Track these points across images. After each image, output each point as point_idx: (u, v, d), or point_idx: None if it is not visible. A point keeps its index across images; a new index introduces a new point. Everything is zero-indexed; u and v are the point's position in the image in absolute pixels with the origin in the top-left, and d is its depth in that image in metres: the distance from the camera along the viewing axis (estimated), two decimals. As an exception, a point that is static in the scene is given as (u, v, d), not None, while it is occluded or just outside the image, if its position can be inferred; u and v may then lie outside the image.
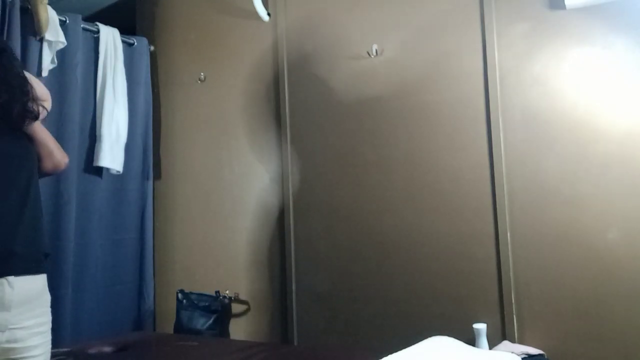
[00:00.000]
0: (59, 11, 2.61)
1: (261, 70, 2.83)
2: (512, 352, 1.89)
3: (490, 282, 2.19)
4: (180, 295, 2.85)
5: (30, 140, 1.64)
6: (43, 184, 2.51)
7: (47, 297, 1.58)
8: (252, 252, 2.80)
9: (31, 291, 1.49)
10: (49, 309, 1.57)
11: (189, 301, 2.83)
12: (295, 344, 2.60)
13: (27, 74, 1.67)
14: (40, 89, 1.70)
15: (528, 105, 2.17)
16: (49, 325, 1.56)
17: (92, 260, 2.77)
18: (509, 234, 2.16)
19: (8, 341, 1.43)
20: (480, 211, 2.22)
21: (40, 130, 1.67)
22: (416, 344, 1.88)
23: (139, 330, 2.93)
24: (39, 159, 1.67)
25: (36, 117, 1.61)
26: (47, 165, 1.70)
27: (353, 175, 2.52)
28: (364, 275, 2.46)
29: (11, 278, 1.43)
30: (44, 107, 1.63)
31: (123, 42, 2.98)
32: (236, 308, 2.81)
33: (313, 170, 2.64)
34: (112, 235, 2.90)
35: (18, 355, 1.45)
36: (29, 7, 2.48)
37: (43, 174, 1.72)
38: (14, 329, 1.44)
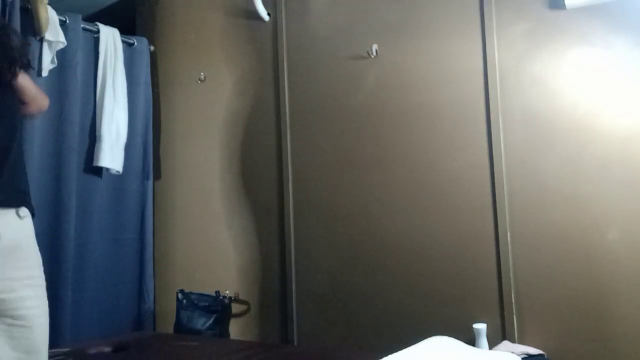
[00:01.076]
0: (59, 11, 2.61)
1: (261, 70, 2.83)
2: (512, 352, 1.89)
3: (490, 282, 2.19)
4: (180, 295, 2.85)
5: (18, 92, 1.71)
6: (43, 184, 2.54)
7: (36, 253, 1.58)
8: (252, 252, 2.80)
9: (17, 239, 1.49)
10: (41, 266, 1.57)
11: (189, 301, 2.82)
12: (295, 344, 2.60)
13: None
14: None
15: (528, 105, 2.17)
16: (42, 282, 1.56)
17: (92, 260, 2.77)
18: (509, 234, 2.16)
19: None
20: (480, 211, 2.22)
21: (22, 79, 1.72)
22: (416, 344, 1.88)
23: (139, 330, 2.93)
24: (23, 104, 1.75)
25: (27, 65, 1.70)
26: (32, 108, 1.82)
27: (353, 175, 2.52)
28: (363, 276, 2.46)
29: None
30: (28, 56, 1.72)
31: (123, 42, 2.98)
32: (236, 308, 2.81)
33: (313, 170, 2.64)
34: (112, 235, 2.90)
35: (11, 306, 1.44)
36: (29, 7, 2.48)
37: (28, 115, 1.86)
38: (2, 279, 1.43)
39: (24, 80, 1.74)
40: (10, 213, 1.50)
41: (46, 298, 1.56)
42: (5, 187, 1.51)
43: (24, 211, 1.54)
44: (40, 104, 1.87)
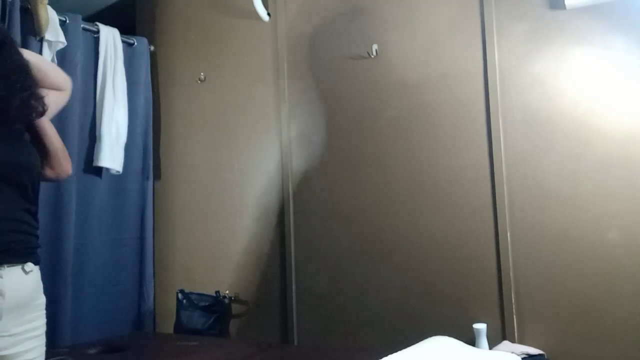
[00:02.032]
0: (59, 11, 2.61)
1: (261, 70, 2.83)
2: (512, 352, 1.89)
3: (490, 282, 2.19)
4: (180, 295, 2.85)
5: (36, 137, 1.59)
6: (43, 184, 2.53)
7: (41, 301, 1.53)
8: (252, 252, 2.80)
9: (21, 296, 1.44)
10: (44, 312, 1.53)
11: (189, 301, 2.83)
12: (295, 344, 2.60)
13: (41, 60, 1.63)
14: (57, 77, 1.66)
15: (528, 105, 2.17)
16: (43, 329, 1.52)
17: (92, 260, 2.77)
18: (509, 234, 2.16)
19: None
20: (480, 211, 2.22)
21: (52, 134, 1.61)
22: (416, 344, 1.88)
23: (139, 330, 2.93)
24: (42, 165, 1.61)
25: (40, 114, 1.55)
26: (49, 174, 1.65)
27: (353, 175, 2.52)
28: (363, 275, 2.46)
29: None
30: (45, 104, 1.55)
31: (123, 42, 2.98)
32: (236, 308, 2.81)
33: (313, 170, 2.64)
34: (112, 235, 2.90)
35: None
36: (29, 7, 2.48)
37: (43, 179, 1.66)
38: (4, 336, 1.39)
39: (53, 135, 1.61)
40: (15, 270, 1.44)
41: (44, 343, 1.53)
42: (12, 245, 1.44)
43: (30, 266, 1.48)
44: (61, 170, 1.66)
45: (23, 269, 1.46)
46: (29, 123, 1.56)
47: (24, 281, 1.46)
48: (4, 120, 1.48)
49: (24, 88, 1.49)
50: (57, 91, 1.66)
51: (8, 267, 1.41)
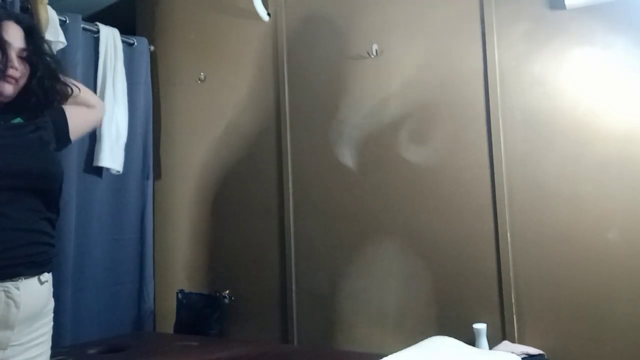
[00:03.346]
0: (59, 11, 2.61)
1: (261, 70, 2.83)
2: (512, 352, 1.89)
3: (490, 282, 2.19)
4: (180, 295, 2.85)
5: None
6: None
7: (51, 306, 1.53)
8: (252, 252, 2.80)
9: (35, 307, 1.43)
10: (52, 316, 1.52)
11: (189, 301, 2.83)
12: (295, 344, 2.60)
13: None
14: (84, 94, 1.80)
15: (528, 105, 2.17)
16: (50, 333, 1.51)
17: (92, 260, 2.77)
18: (509, 234, 2.16)
19: (7, 358, 1.38)
20: (480, 211, 2.22)
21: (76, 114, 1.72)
22: (416, 344, 1.88)
23: (139, 330, 2.93)
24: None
25: (66, 98, 1.62)
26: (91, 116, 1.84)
27: (353, 175, 2.52)
28: (363, 275, 2.46)
29: (17, 295, 1.37)
30: (71, 87, 1.63)
31: (123, 42, 2.98)
32: (236, 308, 2.81)
33: (313, 170, 2.64)
34: (112, 235, 2.90)
35: None
36: (29, 7, 2.48)
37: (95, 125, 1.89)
38: (13, 345, 1.39)
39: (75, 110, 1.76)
40: (32, 282, 1.42)
41: (50, 347, 1.52)
42: (30, 258, 1.42)
43: (45, 276, 1.47)
44: (94, 100, 1.93)
45: (39, 280, 1.45)
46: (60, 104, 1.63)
47: (39, 292, 1.45)
48: (34, 108, 1.52)
49: (51, 74, 1.55)
50: (85, 107, 1.77)
51: (25, 279, 1.40)
